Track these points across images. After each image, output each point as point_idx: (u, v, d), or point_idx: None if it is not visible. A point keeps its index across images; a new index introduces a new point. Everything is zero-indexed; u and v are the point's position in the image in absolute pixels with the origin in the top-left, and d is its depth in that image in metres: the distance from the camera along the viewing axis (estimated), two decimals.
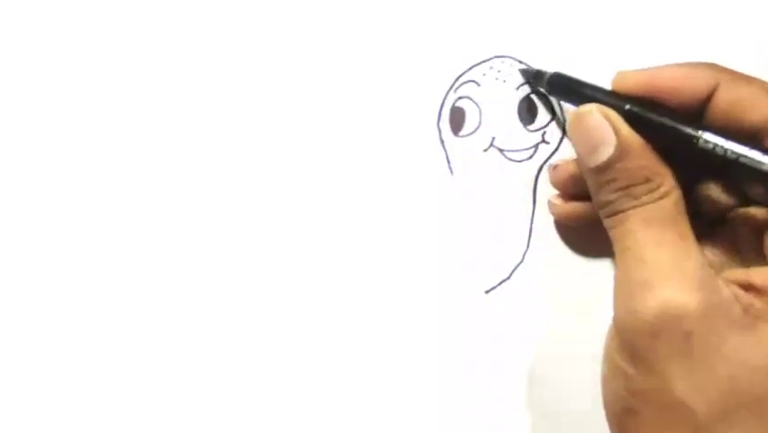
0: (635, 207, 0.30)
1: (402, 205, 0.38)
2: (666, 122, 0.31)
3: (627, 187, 0.30)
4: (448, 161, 0.38)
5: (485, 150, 0.38)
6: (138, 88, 0.38)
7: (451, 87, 0.38)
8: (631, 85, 0.32)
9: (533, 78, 0.37)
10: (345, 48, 0.38)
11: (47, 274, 0.37)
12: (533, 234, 0.38)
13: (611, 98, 0.33)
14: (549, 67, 0.38)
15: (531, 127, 0.38)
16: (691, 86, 0.31)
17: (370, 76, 0.38)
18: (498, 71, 0.38)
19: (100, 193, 0.38)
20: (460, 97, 0.38)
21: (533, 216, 0.38)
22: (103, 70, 0.38)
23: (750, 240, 0.32)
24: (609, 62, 0.38)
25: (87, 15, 0.39)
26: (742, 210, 0.33)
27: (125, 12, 0.39)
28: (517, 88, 0.38)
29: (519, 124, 0.38)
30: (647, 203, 0.30)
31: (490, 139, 0.38)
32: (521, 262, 0.38)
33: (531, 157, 0.38)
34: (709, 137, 0.30)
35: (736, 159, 0.30)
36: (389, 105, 0.38)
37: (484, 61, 0.38)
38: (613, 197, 0.31)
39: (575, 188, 0.35)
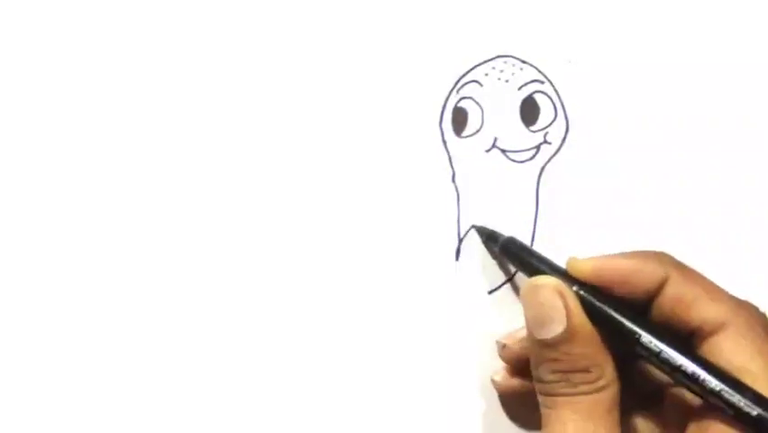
0: (569, 394, 0.30)
1: (404, 205, 0.38)
2: (610, 314, 0.31)
3: (567, 372, 0.30)
4: (450, 162, 0.38)
5: (487, 150, 0.38)
6: (138, 89, 0.38)
7: (453, 88, 0.38)
8: (581, 272, 0.32)
9: (486, 238, 0.37)
10: (347, 48, 0.38)
11: (47, 274, 0.37)
12: (535, 236, 0.38)
13: (562, 276, 0.32)
14: (549, 67, 0.38)
15: (533, 128, 0.38)
16: (640, 280, 0.31)
17: (372, 76, 0.38)
18: (501, 71, 0.38)
19: (100, 193, 0.37)
20: (462, 98, 0.38)
21: (535, 217, 0.38)
22: (103, 71, 0.38)
23: (678, 421, 0.32)
24: (611, 61, 0.38)
25: (87, 15, 0.38)
26: (675, 390, 0.33)
27: (125, 12, 0.38)
28: (520, 89, 0.38)
29: (521, 125, 0.38)
30: (583, 393, 0.30)
31: (493, 140, 0.38)
32: None
33: (533, 158, 0.38)
34: (646, 339, 0.30)
35: (673, 367, 0.30)
36: (391, 105, 0.38)
37: (486, 61, 0.38)
38: (552, 377, 0.31)
39: (522, 364, 0.35)
